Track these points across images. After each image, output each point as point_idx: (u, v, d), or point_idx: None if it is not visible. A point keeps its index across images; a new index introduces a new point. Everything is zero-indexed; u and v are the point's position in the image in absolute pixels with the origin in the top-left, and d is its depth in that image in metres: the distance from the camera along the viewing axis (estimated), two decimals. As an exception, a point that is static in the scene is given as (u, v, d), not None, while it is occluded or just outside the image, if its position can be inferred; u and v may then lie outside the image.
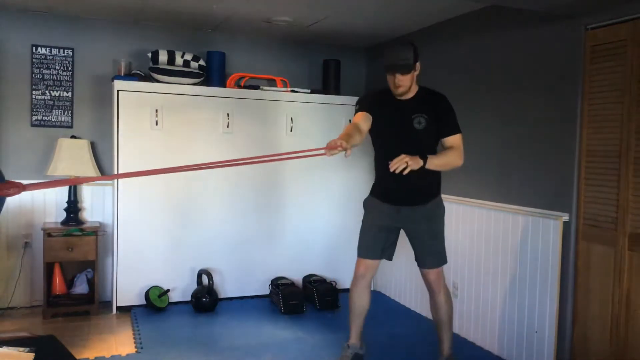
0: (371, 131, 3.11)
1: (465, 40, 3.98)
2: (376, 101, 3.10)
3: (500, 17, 3.61)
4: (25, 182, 1.72)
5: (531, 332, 3.35)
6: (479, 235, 3.77)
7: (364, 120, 3.00)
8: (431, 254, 3.12)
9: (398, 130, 3.02)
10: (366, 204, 3.26)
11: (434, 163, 2.85)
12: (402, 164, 2.67)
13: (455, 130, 3.02)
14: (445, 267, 3.59)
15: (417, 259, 3.18)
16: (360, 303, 3.23)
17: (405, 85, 2.93)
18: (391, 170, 2.69)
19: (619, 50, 2.91)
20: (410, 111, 3.00)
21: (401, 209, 3.10)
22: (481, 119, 3.80)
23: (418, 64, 2.95)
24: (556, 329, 3.19)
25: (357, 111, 3.09)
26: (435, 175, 3.12)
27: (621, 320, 2.91)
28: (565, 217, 3.16)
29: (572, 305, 3.18)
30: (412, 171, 2.79)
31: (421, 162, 2.75)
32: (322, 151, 2.49)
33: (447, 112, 3.02)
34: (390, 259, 3.26)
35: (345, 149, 2.54)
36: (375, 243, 3.16)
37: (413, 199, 3.08)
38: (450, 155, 2.96)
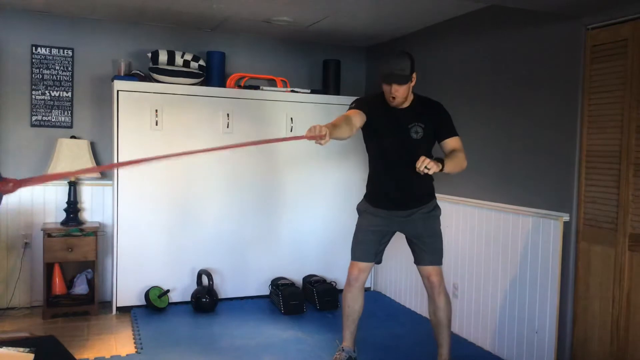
0: (365, 136, 3.17)
1: (466, 40, 3.97)
2: (373, 105, 3.08)
3: (500, 17, 3.61)
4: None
5: (531, 332, 3.34)
6: (479, 235, 3.77)
7: (358, 117, 2.98)
8: (429, 251, 3.13)
9: (395, 140, 3.06)
10: (360, 208, 3.30)
11: (449, 167, 2.86)
12: (426, 164, 2.70)
13: (453, 132, 3.06)
14: (445, 267, 3.59)
15: (417, 258, 3.19)
16: (354, 307, 3.25)
17: (402, 96, 2.96)
18: (418, 169, 2.71)
19: (619, 50, 2.91)
20: (406, 121, 3.03)
21: (396, 213, 3.13)
22: (481, 119, 3.80)
23: (414, 75, 2.96)
24: (556, 329, 3.19)
25: (351, 108, 3.07)
26: (428, 180, 3.16)
27: (621, 321, 2.91)
28: (566, 218, 3.16)
29: (572, 305, 3.18)
30: (405, 177, 2.99)
31: (440, 166, 2.77)
32: (304, 137, 2.57)
33: (444, 118, 3.07)
34: (379, 262, 3.30)
35: (321, 138, 2.56)
36: (369, 247, 3.19)
37: (407, 204, 3.12)
38: (459, 158, 2.97)
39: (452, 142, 3.04)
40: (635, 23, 2.83)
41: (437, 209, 3.19)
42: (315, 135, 2.56)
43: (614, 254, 2.95)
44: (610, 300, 2.97)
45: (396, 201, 3.13)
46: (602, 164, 3.00)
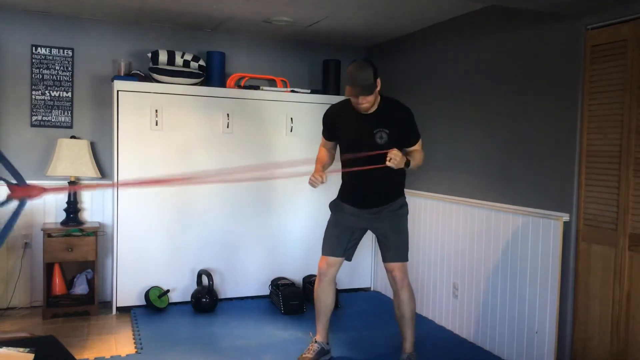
0: (335, 140, 3.37)
1: (466, 40, 3.97)
2: (337, 115, 3.29)
3: (500, 17, 3.61)
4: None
5: (531, 332, 3.35)
6: (479, 235, 3.76)
7: (329, 145, 3.40)
8: (394, 248, 3.25)
9: (361, 144, 3.15)
10: (332, 206, 3.43)
11: (412, 165, 3.09)
12: (398, 159, 2.95)
13: (417, 138, 3.22)
14: (445, 267, 3.58)
15: (382, 254, 3.32)
16: (325, 300, 3.39)
17: (369, 102, 3.07)
18: (387, 161, 2.94)
19: (619, 50, 2.91)
20: (372, 125, 3.14)
21: (365, 211, 3.25)
22: (481, 119, 3.80)
23: (378, 81, 3.06)
24: (556, 329, 3.19)
25: (322, 132, 3.39)
26: (399, 179, 3.29)
27: (621, 321, 2.91)
28: (566, 218, 3.16)
29: (572, 305, 3.18)
30: (375, 176, 3.09)
31: (404, 165, 3.01)
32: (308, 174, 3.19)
33: (408, 125, 3.19)
34: (349, 259, 3.41)
35: (323, 182, 3.13)
36: (337, 242, 3.32)
37: (377, 202, 3.24)
38: (418, 158, 3.18)
39: (415, 147, 3.22)
40: (635, 23, 2.83)
41: (404, 207, 3.31)
42: (316, 182, 3.14)
43: (614, 254, 2.95)
44: (610, 300, 2.97)
45: (364, 199, 3.25)
46: (602, 164, 3.00)
